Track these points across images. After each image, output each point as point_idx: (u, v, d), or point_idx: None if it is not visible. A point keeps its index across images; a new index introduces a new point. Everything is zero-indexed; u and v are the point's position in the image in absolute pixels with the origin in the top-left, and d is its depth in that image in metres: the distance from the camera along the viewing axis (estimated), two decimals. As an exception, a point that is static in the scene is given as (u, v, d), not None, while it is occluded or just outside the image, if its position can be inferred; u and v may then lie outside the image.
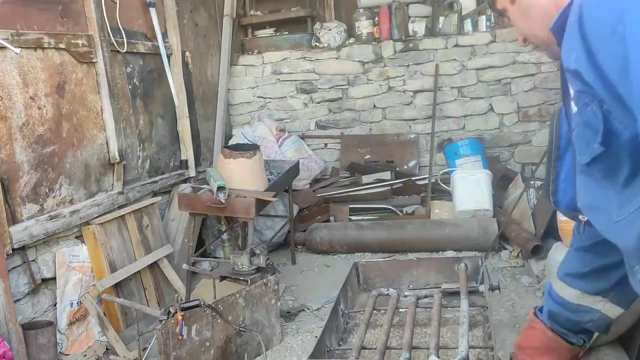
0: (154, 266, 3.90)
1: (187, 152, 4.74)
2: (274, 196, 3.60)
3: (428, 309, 1.94)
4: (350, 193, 5.11)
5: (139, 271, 3.76)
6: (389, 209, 5.00)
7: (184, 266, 3.67)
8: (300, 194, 5.14)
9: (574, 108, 1.09)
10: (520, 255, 4.28)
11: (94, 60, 3.65)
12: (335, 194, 5.15)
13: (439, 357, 1.51)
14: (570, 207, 1.26)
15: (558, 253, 3.40)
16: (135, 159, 4.10)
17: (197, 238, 4.62)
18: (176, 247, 4.23)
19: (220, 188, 3.45)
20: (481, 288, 2.03)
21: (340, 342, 1.86)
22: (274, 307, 3.30)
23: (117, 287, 3.57)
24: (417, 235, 4.52)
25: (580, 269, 1.36)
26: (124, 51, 3.96)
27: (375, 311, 1.99)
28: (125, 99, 4.02)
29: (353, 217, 4.99)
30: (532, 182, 4.56)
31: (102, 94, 3.72)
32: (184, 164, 4.73)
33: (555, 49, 1.16)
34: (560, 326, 1.41)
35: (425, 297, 1.98)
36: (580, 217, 1.26)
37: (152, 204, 4.00)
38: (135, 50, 4.13)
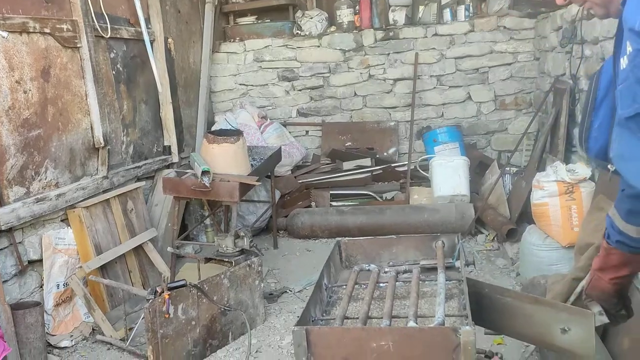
0: (138, 249, 3.96)
1: (170, 138, 4.78)
2: (257, 181, 3.68)
3: (407, 283, 2.05)
4: (331, 179, 5.21)
5: (124, 254, 3.81)
6: (369, 194, 5.12)
7: (169, 249, 3.74)
8: (282, 180, 5.23)
9: (623, 64, 1.20)
10: (495, 239, 4.44)
11: (78, 45, 3.67)
12: (316, 180, 5.25)
13: (417, 324, 1.62)
14: (600, 155, 1.40)
15: (531, 235, 3.56)
16: (119, 144, 4.14)
17: (181, 223, 4.68)
18: (160, 232, 4.29)
19: (205, 172, 3.52)
20: (457, 264, 2.14)
21: (324, 314, 1.96)
22: (258, 288, 3.40)
23: (103, 270, 3.63)
24: (396, 220, 4.64)
25: (635, 209, 1.50)
26: (108, 37, 3.98)
27: (357, 285, 2.10)
28: (109, 84, 4.04)
29: (334, 203, 5.09)
30: (507, 169, 4.72)
31: (86, 79, 3.74)
32: (167, 150, 4.77)
33: (613, 7, 1.27)
34: (631, 248, 1.59)
35: (405, 272, 2.09)
36: (609, 166, 1.37)
37: (137, 188, 4.05)
38: (118, 36, 4.15)
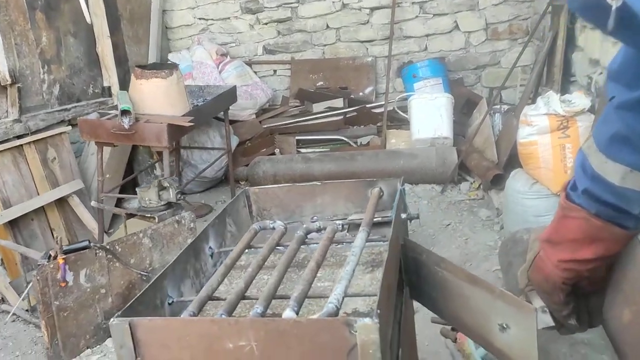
0: (63, 205, 3.43)
1: (110, 77, 4.17)
2: (193, 121, 3.09)
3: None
4: (300, 123, 4.61)
5: (44, 211, 3.29)
6: (342, 140, 4.52)
7: (93, 203, 3.21)
8: (244, 125, 4.63)
9: None
10: (480, 187, 3.87)
11: (-29, -39, 3.03)
12: (283, 124, 4.65)
13: (296, 312, 1.06)
14: None
15: (517, 181, 2.98)
16: (37, 83, 3.54)
17: (127, 175, 4.14)
18: (95, 185, 3.74)
19: (125, 112, 2.93)
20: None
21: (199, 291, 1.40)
22: (190, 247, 2.87)
23: (15, 228, 3.11)
24: (368, 168, 4.07)
25: (624, 131, 0.87)
26: (15, -48, 3.32)
27: (257, 249, 1.54)
28: (19, 10, 3.41)
29: (302, 150, 4.51)
30: (498, 106, 4.09)
31: (-16, 2, 3.12)
32: (106, 91, 4.17)
33: None
34: (607, 208, 0.93)
35: (319, 229, 1.52)
36: (610, 0, 0.70)
37: (60, 134, 3.48)
38: (31, -47, 3.49)
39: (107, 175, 3.74)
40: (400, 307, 1.49)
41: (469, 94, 4.60)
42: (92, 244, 2.47)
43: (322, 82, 4.94)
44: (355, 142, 4.51)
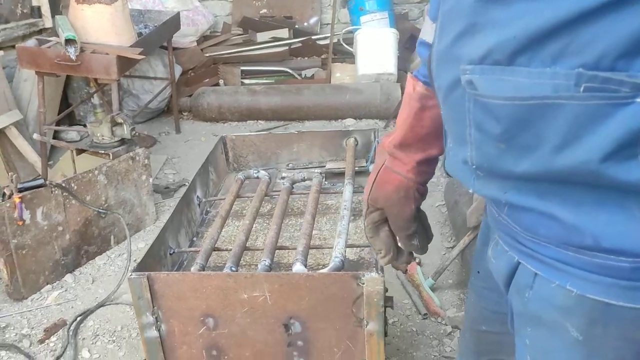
0: (0, 137, 3.26)
1: (38, -5, 3.85)
2: (142, 53, 2.98)
3: (306, 195, 1.58)
4: (243, 53, 4.53)
5: (-21, 143, 3.12)
6: (286, 71, 4.51)
7: (35, 136, 3.07)
8: (185, 53, 4.48)
9: None
10: (421, 123, 4.05)
11: None
12: (226, 53, 4.54)
13: (306, 266, 1.18)
14: None
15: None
16: (-40, 1, 3.22)
17: (62, 103, 3.95)
18: (31, 114, 3.56)
19: (70, 41, 2.77)
20: (372, 168, 1.68)
21: (194, 238, 1.48)
22: (145, 183, 2.87)
23: (-50, 163, 2.95)
24: (315, 102, 4.13)
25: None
26: None
27: (245, 198, 1.62)
28: None
29: (246, 81, 4.47)
30: (439, 45, 4.21)
31: None
32: (35, 12, 3.85)
33: None
34: None
35: (303, 180, 1.62)
36: None
37: (-10, 59, 3.24)
38: None
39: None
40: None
41: (413, 29, 4.68)
42: (47, 182, 2.42)
43: (265, 10, 4.82)
44: (300, 75, 4.52)
